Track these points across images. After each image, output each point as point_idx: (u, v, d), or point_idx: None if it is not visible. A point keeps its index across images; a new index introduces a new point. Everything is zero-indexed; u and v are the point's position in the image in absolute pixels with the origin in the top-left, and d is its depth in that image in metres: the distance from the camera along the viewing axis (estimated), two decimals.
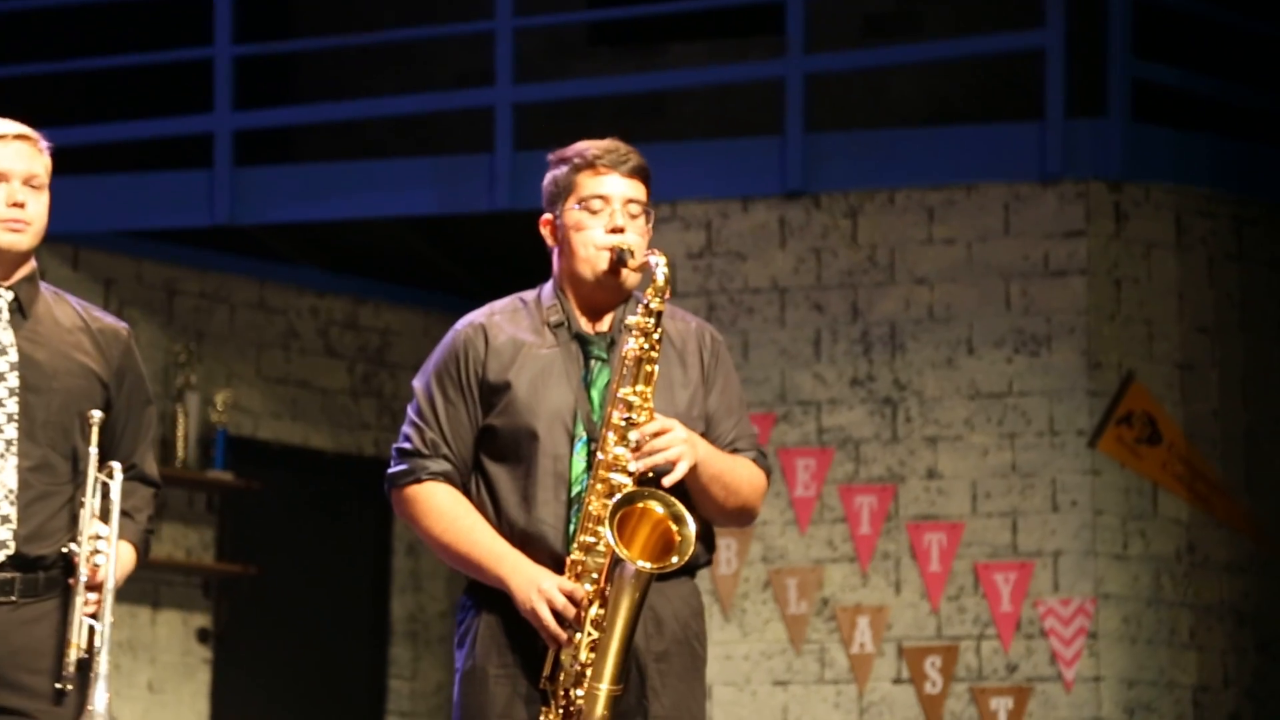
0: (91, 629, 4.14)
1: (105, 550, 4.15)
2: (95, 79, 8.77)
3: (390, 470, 4.31)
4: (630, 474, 4.16)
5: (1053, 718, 7.80)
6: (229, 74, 8.56)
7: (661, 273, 4.19)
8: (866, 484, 8.02)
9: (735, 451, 4.33)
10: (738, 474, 4.31)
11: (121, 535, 4.21)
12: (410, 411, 4.31)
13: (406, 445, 4.29)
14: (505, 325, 4.31)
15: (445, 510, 4.26)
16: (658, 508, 4.14)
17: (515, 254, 9.22)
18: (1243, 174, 8.20)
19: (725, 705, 8.04)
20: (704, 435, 4.29)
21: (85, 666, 4.16)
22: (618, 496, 4.12)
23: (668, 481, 4.15)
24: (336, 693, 9.27)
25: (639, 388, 4.18)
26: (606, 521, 4.10)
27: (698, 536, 4.20)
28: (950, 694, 7.86)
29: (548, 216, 4.35)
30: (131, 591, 8.49)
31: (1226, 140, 8.21)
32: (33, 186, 4.25)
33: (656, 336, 4.19)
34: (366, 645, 9.26)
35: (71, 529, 4.20)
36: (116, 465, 4.21)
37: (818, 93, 8.30)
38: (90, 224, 8.48)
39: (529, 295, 4.37)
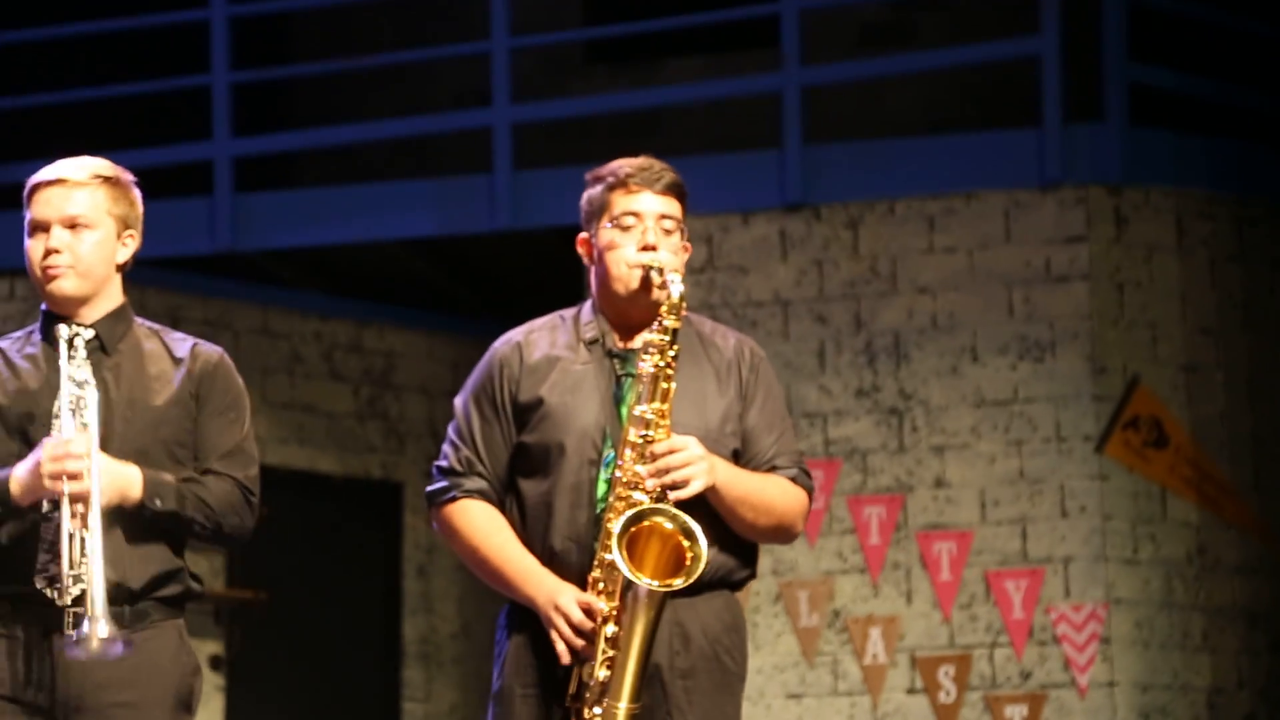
0: (82, 540, 4.11)
1: (88, 466, 4.11)
2: (94, 109, 8.78)
3: (429, 489, 4.34)
4: (648, 491, 4.15)
5: None
6: (227, 100, 8.59)
7: (677, 290, 4.18)
8: (875, 494, 7.96)
9: (774, 469, 4.30)
10: (767, 494, 4.26)
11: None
12: (450, 430, 4.33)
13: (444, 464, 4.31)
14: (541, 342, 4.34)
15: (479, 527, 4.27)
16: (668, 524, 4.12)
17: (518, 273, 9.21)
18: (1242, 175, 8.14)
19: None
20: (742, 451, 4.29)
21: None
22: (625, 515, 4.11)
23: (674, 497, 4.15)
24: (350, 716, 9.31)
25: (656, 405, 4.18)
26: (615, 540, 4.09)
27: (734, 550, 4.23)
28: (965, 703, 7.78)
29: (583, 235, 4.34)
30: None
31: (1225, 141, 8.13)
32: (76, 226, 4.21)
33: (672, 354, 4.19)
34: (379, 668, 9.28)
35: (162, 563, 4.23)
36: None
37: (815, 104, 8.32)
38: None
39: (569, 312, 4.38)
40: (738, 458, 4.28)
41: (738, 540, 4.25)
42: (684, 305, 4.18)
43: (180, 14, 8.78)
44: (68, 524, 4.14)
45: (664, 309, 4.18)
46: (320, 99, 9.98)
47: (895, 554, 7.83)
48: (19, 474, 4.14)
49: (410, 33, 9.44)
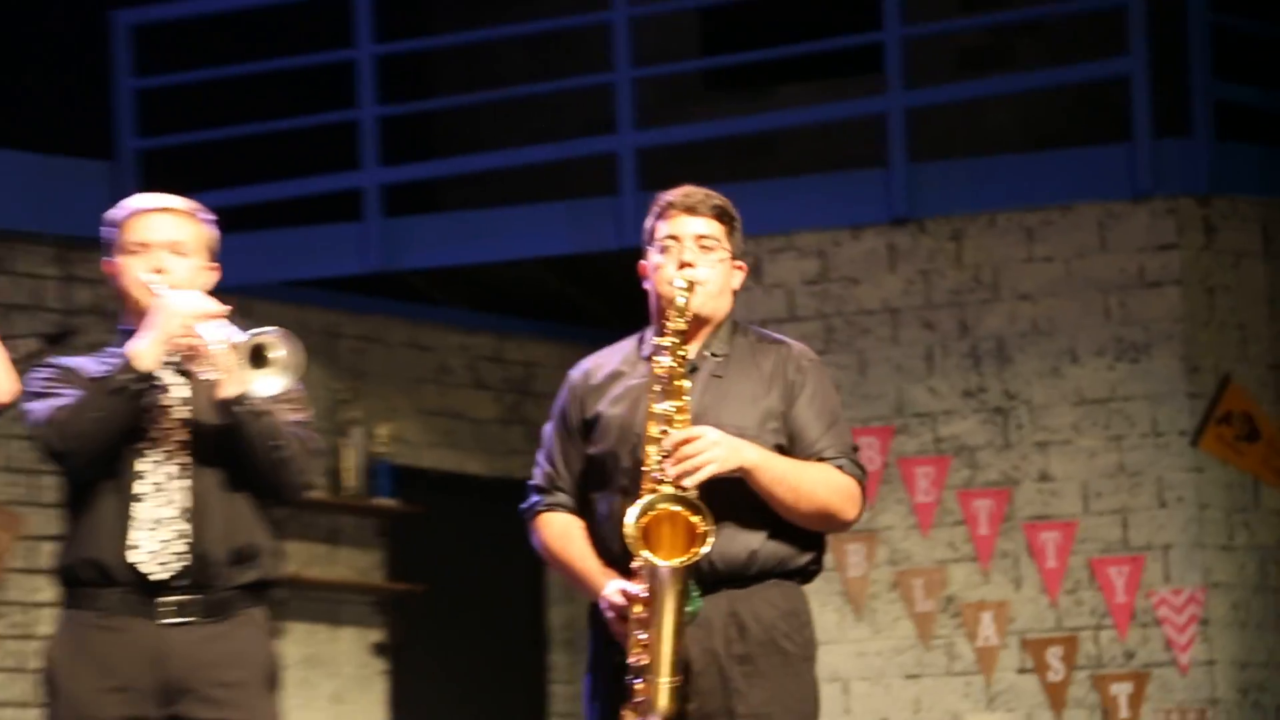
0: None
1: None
2: (255, 144, 8.81)
3: (521, 506, 4.41)
4: (669, 481, 4.14)
5: (1170, 701, 7.74)
6: (375, 133, 8.63)
7: (681, 297, 4.21)
8: (983, 488, 7.96)
9: (821, 459, 4.25)
10: (806, 478, 4.22)
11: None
12: (539, 451, 4.40)
13: (533, 482, 4.39)
14: (607, 362, 4.37)
15: (557, 536, 4.34)
16: (675, 507, 4.11)
17: (643, 288, 9.29)
18: None
19: (861, 698, 8.02)
20: (790, 445, 4.26)
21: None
22: (637, 504, 4.11)
23: (689, 482, 4.12)
24: (501, 697, 9.28)
25: (673, 402, 4.18)
26: (629, 526, 4.10)
27: (790, 540, 4.22)
28: (1073, 681, 7.77)
29: (643, 261, 4.39)
30: (312, 611, 8.68)
31: None
32: (178, 253, 4.32)
33: (682, 354, 4.19)
34: (527, 653, 9.29)
35: (252, 552, 4.32)
36: None
37: (918, 125, 8.25)
38: (256, 276, 8.52)
39: (645, 330, 4.38)
40: (784, 453, 4.26)
41: (794, 531, 4.23)
42: (693, 313, 4.20)
43: (330, 54, 8.75)
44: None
45: (670, 313, 4.21)
46: (461, 129, 9.94)
47: (1003, 543, 7.84)
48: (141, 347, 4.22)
49: (541, 66, 9.42)
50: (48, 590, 8.36)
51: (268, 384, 4.23)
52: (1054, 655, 7.74)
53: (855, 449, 4.30)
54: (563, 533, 4.32)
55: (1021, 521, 7.85)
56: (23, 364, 8.72)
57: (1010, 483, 7.87)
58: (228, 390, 4.24)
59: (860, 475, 4.27)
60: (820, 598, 7.92)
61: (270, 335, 4.23)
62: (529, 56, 9.58)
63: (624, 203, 8.27)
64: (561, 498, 4.33)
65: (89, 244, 8.40)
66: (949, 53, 9.37)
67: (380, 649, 8.83)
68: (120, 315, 4.40)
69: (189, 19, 8.85)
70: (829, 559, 8.36)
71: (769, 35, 8.78)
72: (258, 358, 4.23)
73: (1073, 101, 9.02)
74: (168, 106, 8.84)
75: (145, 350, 4.22)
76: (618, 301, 8.99)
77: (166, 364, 4.29)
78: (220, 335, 4.23)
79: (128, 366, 4.21)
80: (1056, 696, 7.74)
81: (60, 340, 8.32)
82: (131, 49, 8.64)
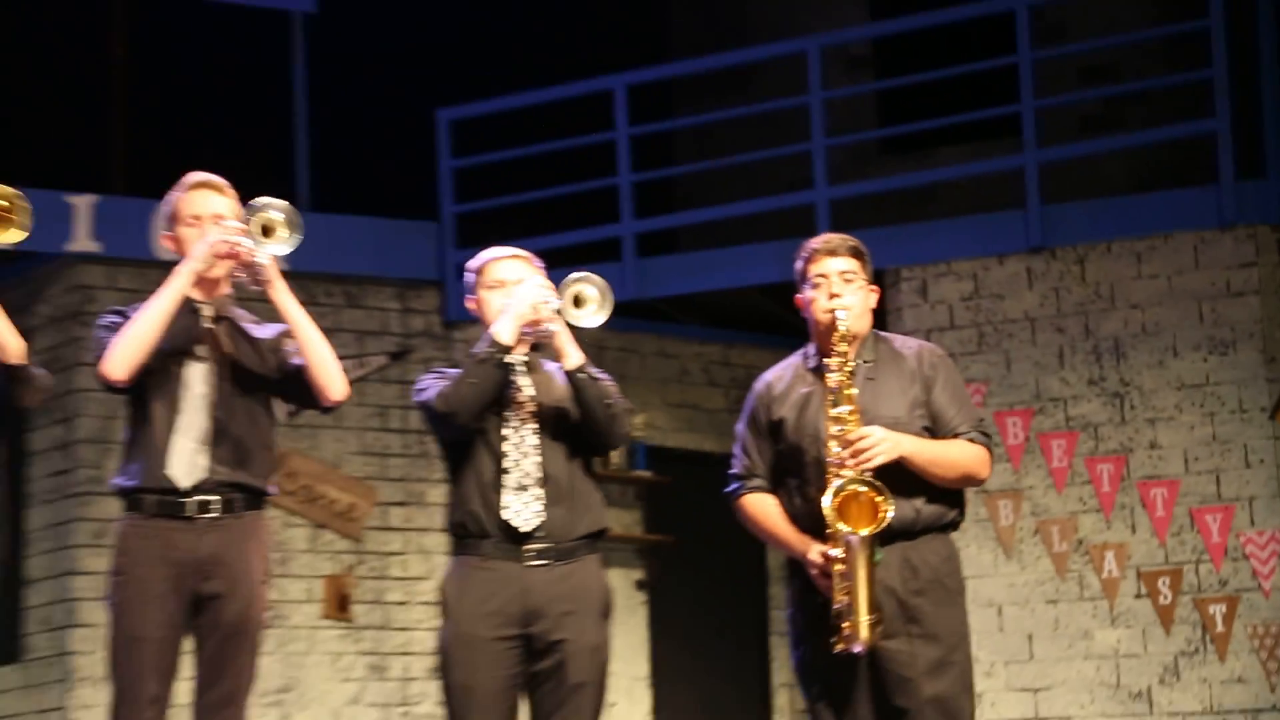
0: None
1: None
2: (540, 205, 8.73)
3: (725, 490, 4.39)
4: (849, 468, 4.12)
5: (1256, 618, 7.61)
6: (630, 194, 8.62)
7: (844, 324, 4.18)
8: (1105, 455, 7.88)
9: (957, 435, 4.22)
10: (950, 454, 4.20)
11: None
12: (735, 446, 4.38)
13: (732, 470, 4.38)
14: (782, 376, 4.33)
15: (759, 511, 4.32)
16: (862, 489, 4.10)
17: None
18: None
19: (1011, 619, 7.96)
20: (933, 426, 4.23)
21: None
22: (833, 485, 4.11)
23: (867, 468, 4.11)
24: (733, 619, 9.25)
25: (844, 408, 4.15)
26: (826, 506, 4.09)
27: (941, 501, 4.18)
28: (1178, 604, 7.70)
29: (798, 295, 4.33)
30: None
31: None
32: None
33: (850, 368, 4.17)
34: (752, 585, 9.27)
35: (595, 510, 4.29)
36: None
37: (1048, 176, 8.15)
38: None
39: (806, 348, 4.35)
40: (930, 433, 4.23)
41: (944, 494, 4.21)
42: (852, 335, 4.17)
43: (595, 136, 8.66)
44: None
45: (836, 337, 4.18)
46: (694, 189, 9.96)
47: (1121, 498, 7.78)
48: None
49: (755, 139, 9.23)
50: (396, 542, 8.57)
51: (591, 319, 4.27)
52: (1163, 584, 7.68)
53: (982, 420, 4.28)
54: (763, 509, 4.28)
55: (1136, 480, 7.79)
56: (375, 375, 9.12)
57: (1126, 451, 7.82)
58: (570, 359, 4.24)
59: (988, 442, 4.24)
60: (978, 543, 8.01)
61: (583, 280, 4.29)
62: (746, 132, 9.42)
63: None
64: (758, 482, 4.30)
65: (421, 284, 8.63)
66: (1071, 118, 9.29)
67: (640, 585, 8.97)
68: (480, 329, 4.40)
69: (492, 114, 8.89)
70: (984, 512, 8.42)
71: (929, 109, 8.69)
72: (578, 300, 4.28)
73: (1170, 153, 8.94)
74: (476, 179, 8.87)
75: (502, 328, 4.23)
76: None
77: (520, 357, 4.25)
78: (549, 304, 4.26)
79: (492, 342, 4.23)
80: (1165, 616, 7.68)
81: (400, 357, 8.46)
82: (450, 137, 8.75)
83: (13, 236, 4.05)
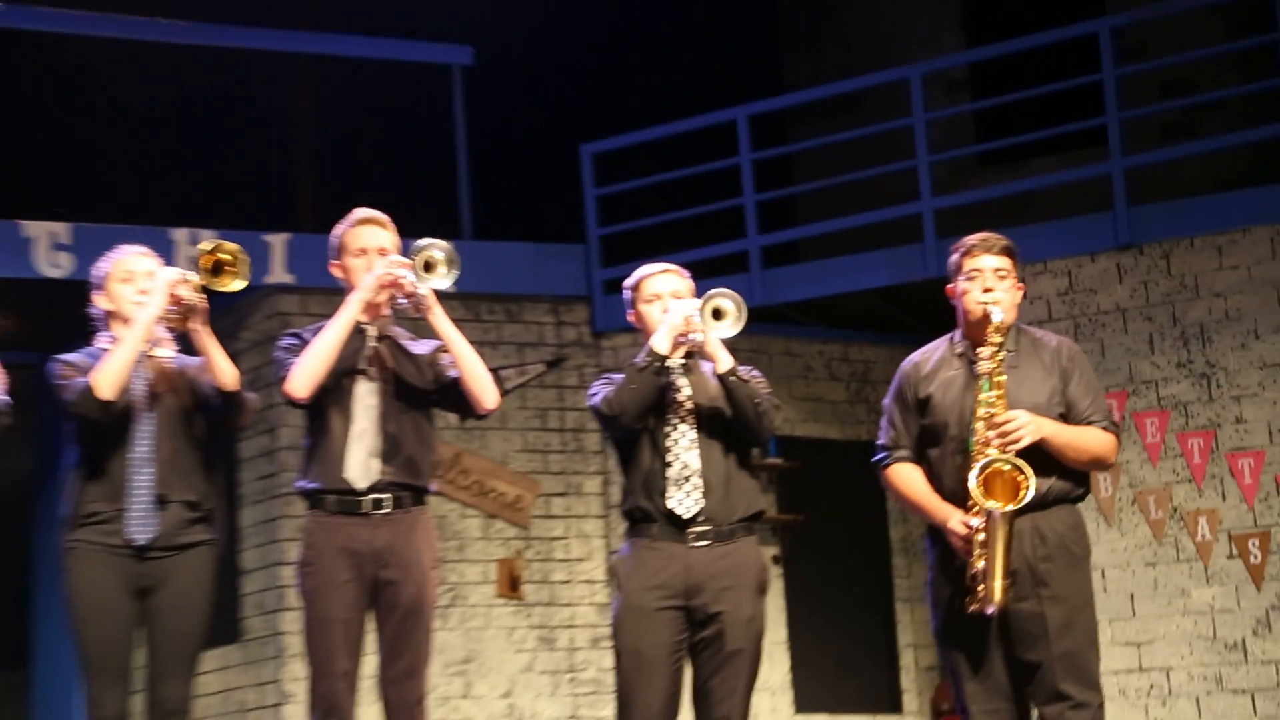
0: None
1: None
2: (671, 225, 8.68)
3: (873, 459, 4.38)
4: (996, 447, 4.11)
5: None
6: (754, 212, 8.63)
7: (998, 317, 4.17)
8: (1195, 430, 7.77)
9: (1089, 423, 4.21)
10: (1083, 439, 4.19)
11: None
12: (883, 419, 4.37)
13: (880, 441, 4.37)
14: (931, 357, 4.31)
15: (905, 480, 4.29)
16: (1006, 467, 4.08)
17: (942, 306, 9.19)
18: None
19: (1115, 580, 7.89)
20: (1067, 414, 4.20)
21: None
22: (978, 462, 4.09)
23: (1014, 449, 4.10)
24: (859, 587, 9.16)
25: (994, 392, 4.14)
26: (972, 481, 4.07)
27: (1069, 478, 4.14)
28: (1268, 564, 7.56)
29: (951, 286, 4.33)
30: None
31: None
32: (677, 297, 4.36)
33: (1000, 357, 4.14)
34: (876, 558, 9.19)
35: (753, 494, 4.25)
36: None
37: (1134, 180, 8.09)
38: None
39: (954, 334, 4.33)
40: (1064, 419, 4.22)
41: (1070, 471, 4.21)
42: (1004, 327, 4.14)
43: (720, 162, 8.59)
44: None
45: (990, 329, 4.18)
46: (812, 205, 9.90)
47: (1212, 468, 7.66)
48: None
49: (865, 157, 9.13)
50: (558, 528, 8.59)
51: (729, 330, 4.26)
52: (1253, 545, 7.55)
53: (1110, 410, 4.28)
54: (908, 478, 4.27)
55: (1225, 452, 7.67)
56: (534, 381, 9.18)
57: (1214, 426, 7.70)
58: (721, 364, 4.23)
59: (1115, 430, 4.25)
60: (1081, 512, 7.93)
61: (720, 295, 4.29)
62: (856, 152, 9.40)
63: (927, 248, 8.21)
64: (903, 453, 4.29)
65: (571, 300, 8.65)
66: (1153, 127, 9.22)
67: (776, 559, 8.86)
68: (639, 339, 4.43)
69: (629, 146, 8.90)
70: None
71: (1022, 125, 8.62)
72: (717, 314, 4.28)
73: (1246, 155, 8.77)
74: (617, 205, 8.91)
75: (659, 340, 4.26)
76: (924, 316, 8.89)
77: (678, 364, 4.25)
78: (697, 318, 4.26)
79: (650, 352, 4.24)
80: (1256, 574, 7.55)
81: (556, 365, 8.45)
82: (593, 168, 8.81)
83: (237, 285, 4.18)
